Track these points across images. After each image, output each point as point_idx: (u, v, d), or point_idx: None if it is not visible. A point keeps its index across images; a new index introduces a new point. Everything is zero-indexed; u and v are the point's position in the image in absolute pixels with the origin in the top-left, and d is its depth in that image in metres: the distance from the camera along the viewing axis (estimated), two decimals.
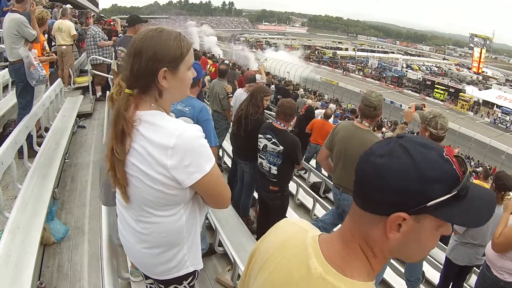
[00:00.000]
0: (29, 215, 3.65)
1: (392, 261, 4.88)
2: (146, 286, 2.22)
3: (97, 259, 3.68)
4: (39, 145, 5.50)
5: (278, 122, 4.43)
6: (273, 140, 4.36)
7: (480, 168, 21.52)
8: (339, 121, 8.58)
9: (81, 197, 4.89)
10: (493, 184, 4.19)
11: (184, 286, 1.95)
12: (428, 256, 5.24)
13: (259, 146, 4.52)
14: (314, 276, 0.94)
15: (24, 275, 2.88)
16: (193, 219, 1.82)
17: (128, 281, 3.21)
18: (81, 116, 7.77)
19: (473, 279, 5.70)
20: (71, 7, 12.93)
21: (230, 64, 15.40)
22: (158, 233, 1.75)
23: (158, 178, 1.58)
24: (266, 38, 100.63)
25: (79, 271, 3.55)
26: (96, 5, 43.88)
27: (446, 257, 4.65)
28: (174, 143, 1.54)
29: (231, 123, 5.83)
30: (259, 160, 4.57)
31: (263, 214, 5.01)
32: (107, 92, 8.44)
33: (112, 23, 12.97)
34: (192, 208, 1.79)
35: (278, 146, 4.34)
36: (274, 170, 4.45)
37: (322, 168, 8.83)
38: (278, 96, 15.33)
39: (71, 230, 4.16)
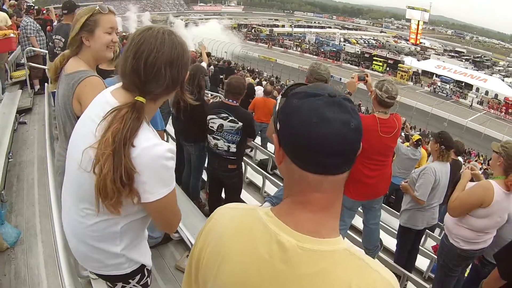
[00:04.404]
0: None
1: (349, 232, 5.02)
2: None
3: (54, 260, 3.54)
4: None
5: (230, 100, 4.43)
6: (231, 117, 4.36)
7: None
8: None
9: (29, 196, 4.67)
10: (440, 141, 4.46)
11: (134, 285, 1.88)
12: (383, 224, 5.44)
13: (212, 127, 4.48)
14: (290, 249, 0.92)
15: None
16: (133, 226, 1.73)
17: (88, 279, 3.12)
18: (21, 111, 7.38)
19: (429, 242, 6.01)
20: None
21: None
22: (89, 230, 1.67)
23: None
24: (202, 19, 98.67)
25: (37, 275, 3.39)
26: None
27: (401, 226, 4.83)
28: (137, 154, 1.45)
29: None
30: (213, 141, 4.52)
31: (215, 195, 5.02)
32: (45, 84, 8.07)
33: (45, 12, 12.36)
34: (134, 219, 1.70)
35: (237, 123, 4.35)
36: (233, 148, 4.47)
37: (267, 145, 8.98)
38: (221, 76, 15.21)
39: (23, 232, 3.97)
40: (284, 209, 1.00)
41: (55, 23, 9.69)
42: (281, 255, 0.92)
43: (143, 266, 1.87)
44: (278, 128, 0.97)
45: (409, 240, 4.91)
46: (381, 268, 0.94)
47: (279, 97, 1.03)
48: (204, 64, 5.94)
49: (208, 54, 15.55)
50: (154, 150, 1.48)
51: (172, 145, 1.55)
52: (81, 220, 1.66)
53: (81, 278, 3.05)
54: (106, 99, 1.58)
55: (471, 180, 3.85)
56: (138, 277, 1.86)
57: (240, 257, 0.99)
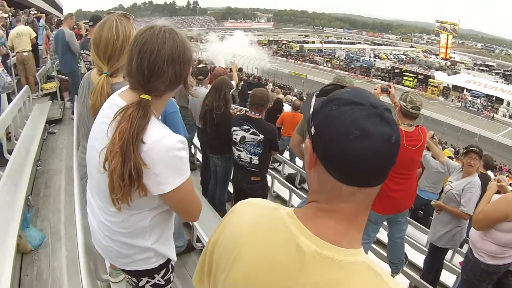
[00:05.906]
0: (3, 223, 3.55)
1: (373, 245, 4.92)
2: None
3: (76, 264, 3.61)
4: (10, 153, 5.38)
5: (253, 112, 4.46)
6: (252, 130, 4.39)
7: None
8: None
9: (56, 203, 4.80)
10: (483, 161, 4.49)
11: (158, 280, 1.92)
12: (409, 239, 5.32)
13: (235, 138, 4.52)
14: (308, 254, 0.88)
15: (1, 283, 2.82)
16: (161, 219, 1.78)
17: (107, 282, 3.15)
18: (51, 122, 7.61)
19: (456, 258, 5.84)
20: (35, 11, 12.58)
21: (196, 61, 15.33)
22: (121, 228, 1.72)
23: None
24: (232, 35, 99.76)
25: (59, 277, 3.48)
26: (60, 10, 42.62)
27: (436, 247, 4.69)
28: (148, 148, 1.49)
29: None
30: (237, 153, 4.56)
31: None
32: (75, 96, 8.29)
33: (75, 26, 12.75)
34: (160, 211, 1.75)
35: (258, 135, 4.37)
36: (255, 160, 4.49)
37: (295, 159, 8.91)
38: (249, 92, 15.28)
39: (48, 236, 4.06)
40: (308, 213, 0.96)
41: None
42: (298, 259, 0.89)
43: (168, 260, 1.92)
44: (312, 133, 0.92)
45: (441, 258, 4.81)
46: (397, 287, 0.90)
47: (313, 98, 0.99)
48: (233, 83, 5.94)
49: (240, 70, 15.69)
50: (163, 142, 1.52)
51: (182, 137, 1.58)
52: (111, 219, 1.72)
53: (100, 281, 3.07)
54: (115, 101, 1.64)
55: (498, 193, 3.75)
56: (163, 271, 1.91)
57: (255, 257, 0.95)
